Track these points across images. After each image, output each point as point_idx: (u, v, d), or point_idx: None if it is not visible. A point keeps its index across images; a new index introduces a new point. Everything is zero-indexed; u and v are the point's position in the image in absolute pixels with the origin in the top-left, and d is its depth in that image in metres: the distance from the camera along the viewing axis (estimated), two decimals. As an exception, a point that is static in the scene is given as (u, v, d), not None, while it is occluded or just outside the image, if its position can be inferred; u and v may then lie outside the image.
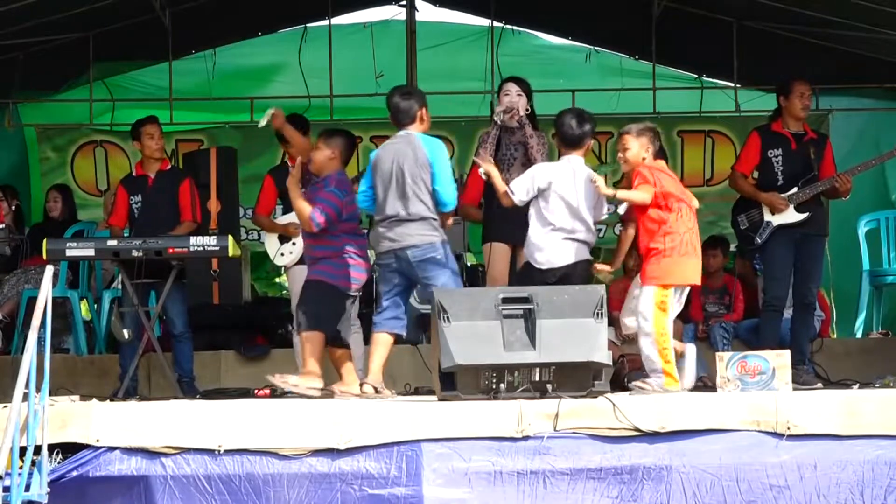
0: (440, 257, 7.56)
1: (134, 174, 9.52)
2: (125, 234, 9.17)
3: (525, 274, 7.77)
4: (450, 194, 7.65)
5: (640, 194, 7.45)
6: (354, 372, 7.97)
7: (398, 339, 7.88)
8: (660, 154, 7.89)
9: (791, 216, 8.70)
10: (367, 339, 8.78)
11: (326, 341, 7.90)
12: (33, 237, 10.33)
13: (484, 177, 7.86)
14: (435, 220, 7.61)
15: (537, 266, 7.67)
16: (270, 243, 9.36)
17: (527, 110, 8.35)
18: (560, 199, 7.61)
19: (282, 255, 9.17)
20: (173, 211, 9.19)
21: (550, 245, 7.63)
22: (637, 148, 7.53)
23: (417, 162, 7.59)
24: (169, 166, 9.65)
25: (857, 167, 9.15)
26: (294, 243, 8.91)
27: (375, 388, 7.58)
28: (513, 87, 8.40)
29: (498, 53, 11.91)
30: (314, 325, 7.84)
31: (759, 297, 9.95)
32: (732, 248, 10.50)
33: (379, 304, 7.83)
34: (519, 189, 7.69)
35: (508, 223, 8.10)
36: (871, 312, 10.36)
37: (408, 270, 7.65)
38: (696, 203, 7.67)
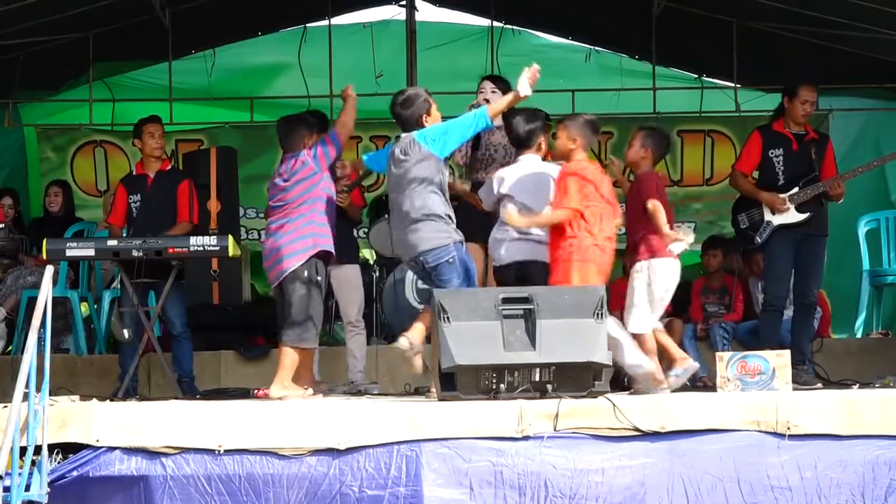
0: (452, 260, 7.52)
1: (134, 173, 9.52)
2: (124, 234, 9.17)
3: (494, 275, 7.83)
4: (481, 124, 7.57)
5: (556, 217, 7.42)
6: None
7: None
8: (661, 152, 7.91)
9: (792, 216, 8.70)
10: (369, 340, 8.80)
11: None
12: (33, 232, 10.33)
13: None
14: (447, 217, 7.56)
15: (495, 264, 7.73)
16: None
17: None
18: (517, 202, 7.63)
19: None
20: (172, 211, 9.18)
21: (504, 243, 7.68)
22: (563, 138, 7.51)
23: (414, 160, 7.56)
24: (169, 167, 9.65)
25: (858, 168, 9.15)
26: None
27: (411, 344, 7.48)
28: (487, 86, 8.42)
29: (498, 53, 11.91)
30: None
31: (753, 297, 9.95)
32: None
33: None
34: (485, 198, 7.85)
35: (480, 224, 8.09)
36: (871, 312, 10.36)
37: (425, 274, 7.66)
38: (617, 219, 7.64)
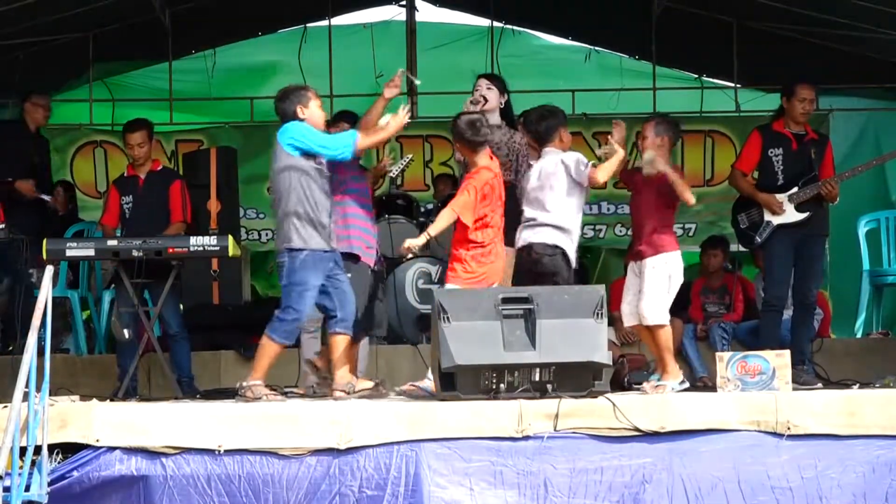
0: (284, 263, 7.52)
1: (125, 174, 9.50)
2: (117, 234, 9.17)
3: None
4: (333, 146, 7.57)
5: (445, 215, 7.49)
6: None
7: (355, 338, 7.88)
8: (675, 139, 7.90)
9: (791, 216, 8.69)
10: (370, 340, 8.77)
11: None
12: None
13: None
14: (294, 222, 7.51)
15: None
16: None
17: (500, 105, 8.33)
18: (530, 193, 7.66)
19: None
20: (164, 211, 9.16)
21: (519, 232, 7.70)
22: (457, 149, 7.71)
23: (274, 157, 7.63)
24: (160, 167, 9.60)
25: (858, 167, 9.14)
26: None
27: (347, 391, 7.56)
28: (483, 83, 8.40)
29: (498, 54, 11.91)
30: None
31: (757, 294, 9.94)
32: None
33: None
34: None
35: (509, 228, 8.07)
36: (871, 312, 10.34)
37: None
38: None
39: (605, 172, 7.63)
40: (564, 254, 7.55)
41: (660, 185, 7.71)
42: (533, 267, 7.50)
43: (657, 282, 7.55)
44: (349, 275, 7.82)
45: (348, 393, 7.51)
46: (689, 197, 7.69)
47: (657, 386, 7.41)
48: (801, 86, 8.76)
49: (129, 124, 9.33)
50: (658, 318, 7.52)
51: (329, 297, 7.62)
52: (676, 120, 8.13)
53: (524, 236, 7.62)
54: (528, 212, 7.65)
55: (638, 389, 7.56)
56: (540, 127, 7.77)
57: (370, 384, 7.67)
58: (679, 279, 7.64)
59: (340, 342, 7.62)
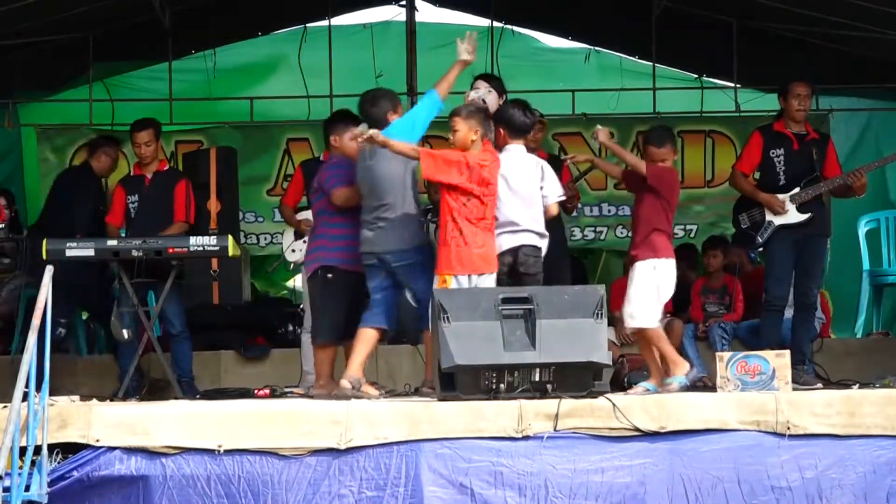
0: (418, 263, 7.53)
1: (132, 174, 9.50)
2: (122, 234, 9.17)
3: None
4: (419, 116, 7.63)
5: (406, 147, 7.40)
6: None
7: (384, 335, 7.87)
8: (668, 147, 7.89)
9: (793, 216, 8.69)
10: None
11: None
12: (33, 236, 10.29)
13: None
14: (420, 220, 7.57)
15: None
16: (286, 238, 9.40)
17: (498, 106, 8.32)
18: (507, 191, 7.56)
19: (292, 251, 9.31)
20: (169, 212, 9.17)
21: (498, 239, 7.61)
22: (465, 130, 7.48)
23: (387, 155, 7.57)
24: (167, 167, 9.62)
25: (861, 168, 9.15)
26: (305, 241, 8.92)
27: (352, 385, 7.55)
28: (482, 84, 8.40)
29: (498, 54, 11.90)
30: None
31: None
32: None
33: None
34: None
35: None
36: (871, 312, 10.35)
37: (391, 273, 7.66)
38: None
39: (555, 209, 7.75)
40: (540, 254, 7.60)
41: (652, 190, 7.71)
42: (518, 268, 7.47)
43: (641, 285, 7.56)
44: (329, 275, 7.94)
45: (353, 388, 7.50)
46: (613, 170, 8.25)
47: (666, 384, 7.42)
48: (796, 83, 8.78)
49: (137, 123, 9.33)
50: (640, 321, 7.54)
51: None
52: (670, 128, 8.16)
53: (509, 240, 7.53)
54: (518, 214, 7.54)
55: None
56: (528, 119, 7.72)
57: (376, 393, 7.68)
58: (669, 287, 7.63)
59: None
